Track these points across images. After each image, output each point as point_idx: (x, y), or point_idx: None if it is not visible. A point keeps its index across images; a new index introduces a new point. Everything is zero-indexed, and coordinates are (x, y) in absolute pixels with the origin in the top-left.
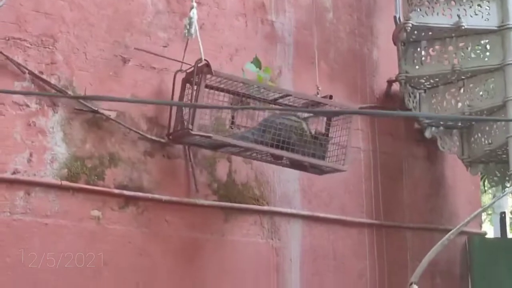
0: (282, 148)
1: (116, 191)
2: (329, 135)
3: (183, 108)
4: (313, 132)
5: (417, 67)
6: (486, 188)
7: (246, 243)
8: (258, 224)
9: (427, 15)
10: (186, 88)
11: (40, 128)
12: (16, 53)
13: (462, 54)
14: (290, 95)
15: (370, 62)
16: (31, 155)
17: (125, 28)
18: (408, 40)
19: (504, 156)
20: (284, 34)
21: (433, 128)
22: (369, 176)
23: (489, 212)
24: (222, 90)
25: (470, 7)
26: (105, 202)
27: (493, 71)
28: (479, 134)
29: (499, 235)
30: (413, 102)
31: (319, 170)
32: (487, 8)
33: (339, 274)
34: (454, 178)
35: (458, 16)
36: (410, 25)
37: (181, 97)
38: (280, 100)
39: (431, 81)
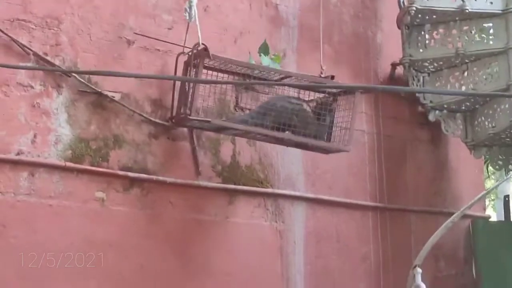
0: (283, 130)
1: (121, 172)
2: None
3: (186, 91)
4: (314, 104)
5: (421, 50)
6: (489, 173)
7: (250, 225)
8: (262, 207)
9: None
10: (188, 71)
11: (45, 110)
12: (21, 34)
13: (466, 37)
14: (291, 76)
15: (374, 45)
16: (35, 136)
17: (129, 10)
18: (412, 23)
19: (508, 139)
20: (288, 17)
21: (437, 111)
22: (373, 159)
23: (492, 197)
24: (225, 72)
25: None
26: (110, 183)
27: (497, 55)
28: (483, 118)
29: (502, 220)
30: (417, 85)
31: (323, 150)
32: None
33: (343, 256)
34: (458, 161)
35: None
36: (414, 8)
37: (182, 84)
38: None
39: (435, 64)
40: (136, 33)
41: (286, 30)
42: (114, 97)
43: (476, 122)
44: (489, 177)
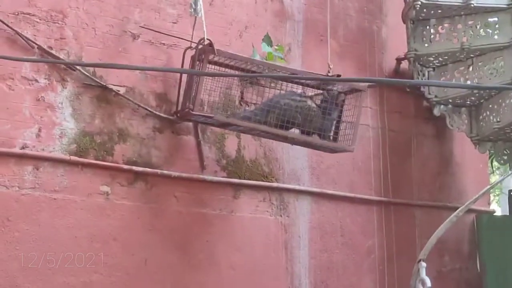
0: (287, 128)
1: (125, 166)
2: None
3: (191, 86)
4: (321, 97)
5: (426, 45)
6: (494, 169)
7: (255, 219)
8: (267, 201)
9: None
10: (194, 66)
11: (49, 103)
12: (26, 28)
13: (471, 32)
14: (297, 75)
15: (379, 40)
16: (40, 130)
17: (134, 4)
18: (417, 18)
19: None
20: (293, 11)
21: (442, 106)
22: (377, 153)
23: (497, 192)
24: (231, 67)
25: None
26: (114, 177)
27: (502, 49)
28: (488, 112)
29: (506, 214)
30: (422, 80)
31: (328, 149)
32: None
33: (347, 251)
34: (463, 156)
35: None
36: (420, 3)
37: (190, 76)
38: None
39: (440, 59)
40: (144, 27)
41: (291, 25)
42: (119, 91)
43: (481, 117)
44: (493, 172)
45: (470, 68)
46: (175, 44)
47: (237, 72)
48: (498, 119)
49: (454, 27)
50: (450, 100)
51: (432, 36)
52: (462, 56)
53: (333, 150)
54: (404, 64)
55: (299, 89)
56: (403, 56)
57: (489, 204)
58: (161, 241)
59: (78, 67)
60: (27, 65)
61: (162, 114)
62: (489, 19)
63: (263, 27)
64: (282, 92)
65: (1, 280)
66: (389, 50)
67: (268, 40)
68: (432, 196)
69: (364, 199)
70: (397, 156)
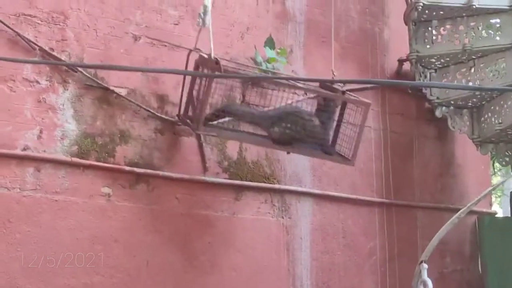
0: (290, 143)
1: (127, 168)
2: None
3: (193, 95)
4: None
5: (428, 46)
6: (495, 170)
7: (256, 221)
8: (269, 203)
9: None
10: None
11: (51, 105)
12: (27, 29)
13: (473, 33)
14: (300, 88)
15: (381, 41)
16: (41, 131)
17: (136, 5)
18: (419, 19)
19: None
20: (295, 13)
21: (444, 108)
22: (379, 155)
23: (498, 194)
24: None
25: None
26: (116, 179)
27: (504, 51)
28: (489, 114)
29: (508, 216)
30: (423, 81)
31: (328, 158)
32: None
33: (349, 252)
34: (464, 157)
35: None
36: (422, 4)
37: (193, 79)
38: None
39: (442, 60)
40: (166, 43)
41: (293, 26)
42: (121, 93)
43: (482, 119)
44: (495, 173)
45: (472, 70)
46: (177, 46)
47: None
48: (500, 121)
49: (456, 29)
50: (452, 102)
51: (434, 38)
52: (464, 57)
53: (332, 160)
54: (406, 66)
55: (304, 103)
56: (405, 58)
57: (490, 205)
58: (163, 243)
59: (79, 68)
60: (29, 66)
61: (163, 116)
62: (491, 21)
63: (265, 28)
64: (289, 105)
65: (2, 281)
66: (391, 51)
67: (270, 42)
68: (434, 198)
69: (365, 201)
70: (398, 157)
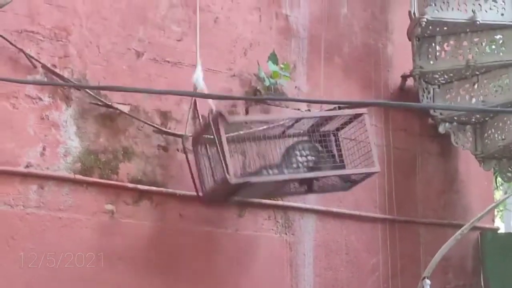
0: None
1: (130, 185)
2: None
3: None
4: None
5: (431, 62)
6: (498, 184)
7: (260, 237)
8: (272, 219)
9: (442, 10)
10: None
11: (53, 122)
12: (29, 46)
13: (477, 49)
14: (303, 118)
15: (385, 57)
16: (44, 148)
17: (138, 21)
18: (423, 35)
19: None
20: (298, 28)
21: (447, 124)
22: (382, 171)
23: (501, 209)
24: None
25: (485, 2)
26: (119, 196)
27: (508, 67)
28: (493, 130)
29: (511, 231)
30: (427, 97)
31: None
32: (502, 3)
33: (352, 268)
34: (467, 173)
35: (473, 11)
36: (425, 20)
37: (197, 160)
38: (295, 125)
39: (446, 76)
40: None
41: (296, 42)
42: (124, 109)
43: (485, 135)
44: (497, 188)
45: (476, 86)
46: (180, 62)
47: None
48: (503, 137)
49: (460, 44)
50: (455, 118)
51: (437, 53)
52: (468, 73)
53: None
54: (410, 82)
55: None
56: (408, 74)
57: (493, 221)
58: (166, 260)
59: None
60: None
61: (168, 130)
62: (495, 36)
63: (268, 44)
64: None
65: None
66: (395, 67)
67: (274, 58)
68: (437, 214)
69: (369, 217)
70: (401, 173)
